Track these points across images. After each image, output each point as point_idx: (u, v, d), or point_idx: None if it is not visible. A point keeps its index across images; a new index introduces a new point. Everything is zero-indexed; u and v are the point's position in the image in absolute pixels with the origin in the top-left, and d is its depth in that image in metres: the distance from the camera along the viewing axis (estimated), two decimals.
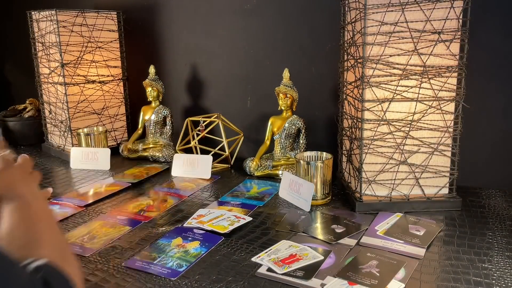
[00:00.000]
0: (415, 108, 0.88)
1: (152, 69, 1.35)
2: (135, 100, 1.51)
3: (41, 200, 0.59)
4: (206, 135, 1.24)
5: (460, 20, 0.85)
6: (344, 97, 1.01)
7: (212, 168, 1.16)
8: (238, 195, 1.03)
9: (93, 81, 1.40)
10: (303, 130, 1.14)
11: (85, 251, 0.77)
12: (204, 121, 1.24)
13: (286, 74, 1.14)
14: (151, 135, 1.36)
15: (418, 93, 0.87)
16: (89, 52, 1.38)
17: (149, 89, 1.35)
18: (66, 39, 1.32)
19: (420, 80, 0.86)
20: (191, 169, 1.17)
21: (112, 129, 1.47)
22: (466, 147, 0.97)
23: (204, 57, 1.42)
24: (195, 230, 0.84)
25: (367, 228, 0.83)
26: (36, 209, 0.56)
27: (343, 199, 1.00)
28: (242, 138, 1.27)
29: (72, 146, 1.36)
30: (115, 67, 1.46)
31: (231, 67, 1.37)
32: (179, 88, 1.48)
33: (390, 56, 0.86)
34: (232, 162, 1.26)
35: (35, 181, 0.62)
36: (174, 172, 1.18)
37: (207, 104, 1.45)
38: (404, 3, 0.83)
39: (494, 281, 0.65)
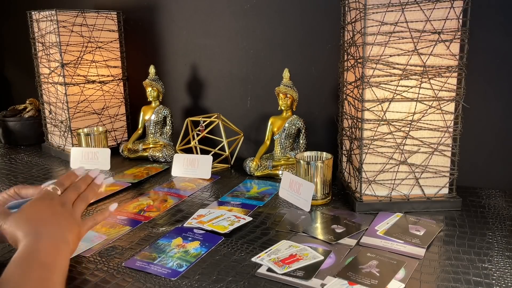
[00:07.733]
0: (415, 108, 0.88)
1: (152, 69, 1.35)
2: (135, 100, 1.51)
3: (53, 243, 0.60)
4: (206, 135, 1.24)
5: (460, 20, 0.85)
6: (344, 97, 1.01)
7: (212, 168, 1.16)
8: (238, 195, 1.03)
9: (93, 81, 1.40)
10: (303, 130, 1.14)
11: (85, 251, 0.77)
12: (204, 121, 1.24)
13: (286, 74, 1.14)
14: (151, 135, 1.36)
15: (418, 93, 0.87)
16: (89, 52, 1.38)
17: (149, 89, 1.35)
18: (66, 39, 1.32)
19: (420, 80, 0.86)
20: (191, 169, 1.17)
21: (112, 129, 1.47)
22: (466, 147, 0.97)
23: (204, 57, 1.42)
24: (195, 230, 0.84)
25: (367, 228, 0.83)
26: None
27: (343, 199, 1.00)
28: (242, 138, 1.27)
29: (72, 146, 1.36)
30: (115, 67, 1.46)
31: (231, 67, 1.37)
32: (179, 88, 1.48)
33: (390, 56, 0.86)
34: (232, 162, 1.26)
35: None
36: (174, 172, 1.18)
37: (207, 104, 1.45)
38: (404, 3, 0.83)
39: (494, 281, 0.65)
